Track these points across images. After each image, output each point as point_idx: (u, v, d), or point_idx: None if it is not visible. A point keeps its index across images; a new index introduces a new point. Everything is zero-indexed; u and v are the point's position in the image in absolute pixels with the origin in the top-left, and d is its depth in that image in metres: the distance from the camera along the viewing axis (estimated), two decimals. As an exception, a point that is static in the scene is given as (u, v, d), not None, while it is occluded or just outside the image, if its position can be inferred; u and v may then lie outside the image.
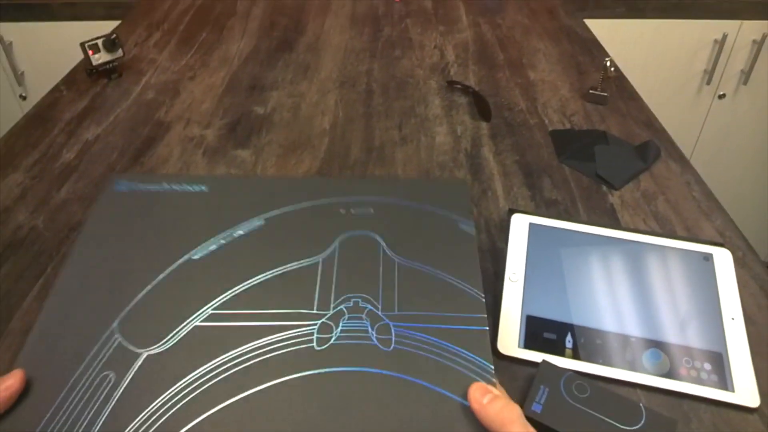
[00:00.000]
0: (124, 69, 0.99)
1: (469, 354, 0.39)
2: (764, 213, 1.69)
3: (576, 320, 0.53)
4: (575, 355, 0.51)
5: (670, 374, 0.50)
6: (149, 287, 0.42)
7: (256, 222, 0.47)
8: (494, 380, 0.37)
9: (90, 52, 0.93)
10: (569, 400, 0.47)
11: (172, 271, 0.43)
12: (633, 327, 0.53)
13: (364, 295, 0.41)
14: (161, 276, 0.43)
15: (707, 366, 0.50)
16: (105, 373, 0.38)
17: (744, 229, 0.67)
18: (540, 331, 0.53)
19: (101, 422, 0.36)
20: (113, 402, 0.37)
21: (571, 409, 0.46)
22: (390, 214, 0.47)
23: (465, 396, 0.37)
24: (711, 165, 1.45)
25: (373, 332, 0.40)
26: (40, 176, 0.74)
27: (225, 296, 0.42)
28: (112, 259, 0.45)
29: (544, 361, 0.49)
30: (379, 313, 0.40)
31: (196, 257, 0.44)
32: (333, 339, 0.39)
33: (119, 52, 0.97)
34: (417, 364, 0.38)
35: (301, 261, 0.44)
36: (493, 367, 0.38)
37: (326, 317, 0.40)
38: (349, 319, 0.40)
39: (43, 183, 0.73)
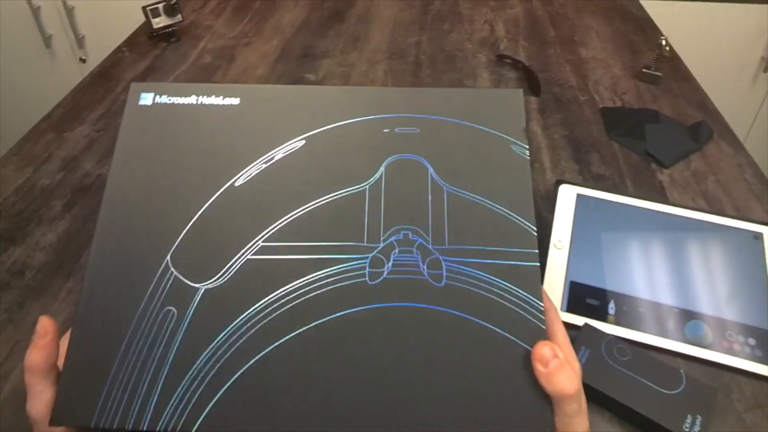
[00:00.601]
0: (182, 34, 1.03)
1: (519, 290, 0.39)
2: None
3: (619, 288, 0.54)
4: (617, 322, 0.52)
5: (711, 346, 0.50)
6: (196, 218, 0.41)
7: (297, 142, 0.44)
8: (542, 317, 0.38)
9: (151, 16, 0.97)
10: (610, 362, 0.48)
11: (216, 200, 0.42)
12: (676, 298, 0.53)
13: (413, 227, 0.41)
14: (206, 205, 0.42)
15: (751, 341, 0.51)
16: (167, 308, 0.39)
17: (796, 212, 0.66)
18: (583, 297, 0.54)
19: (171, 357, 0.37)
20: (179, 337, 0.38)
21: (612, 371, 0.47)
22: (437, 134, 0.44)
23: (518, 335, 0.38)
24: (764, 153, 1.41)
25: (424, 267, 0.40)
26: (105, 129, 0.78)
27: (274, 227, 0.41)
28: (150, 187, 0.43)
29: (586, 323, 0.51)
30: (430, 246, 0.40)
31: (238, 184, 0.42)
32: (385, 273, 0.39)
33: (178, 17, 1.00)
34: (468, 300, 0.39)
35: (348, 188, 0.42)
36: (543, 305, 0.38)
37: (377, 251, 0.40)
38: (399, 252, 0.40)
39: (108, 135, 0.76)
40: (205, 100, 0.46)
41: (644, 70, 0.88)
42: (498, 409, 0.36)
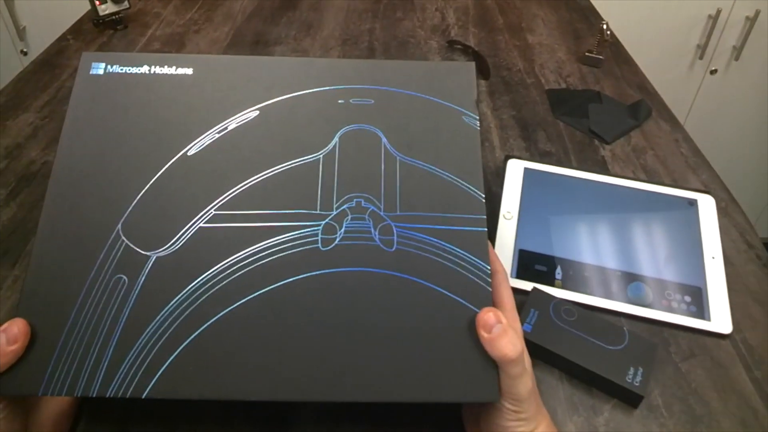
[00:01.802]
0: (129, 21, 1.01)
1: (467, 254, 0.40)
2: (754, 185, 1.73)
3: (565, 255, 0.56)
4: (564, 286, 0.54)
5: (652, 305, 0.53)
6: (147, 186, 0.41)
7: (251, 113, 0.44)
8: (489, 279, 0.39)
9: (97, 2, 0.95)
10: (558, 322, 0.50)
11: (169, 169, 0.42)
12: (618, 262, 0.56)
13: (366, 195, 0.41)
14: (158, 174, 0.41)
15: (687, 298, 0.54)
16: (117, 276, 0.39)
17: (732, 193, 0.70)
18: (531, 264, 0.56)
19: (122, 324, 0.37)
20: (130, 304, 0.38)
21: (559, 330, 0.49)
22: (391, 105, 0.45)
23: (466, 297, 0.39)
24: (702, 137, 1.48)
25: (376, 233, 0.40)
26: (50, 116, 0.76)
27: (227, 196, 0.41)
28: (101, 157, 0.42)
29: (534, 287, 0.53)
30: (382, 213, 0.41)
31: (191, 153, 0.42)
32: (337, 240, 0.40)
33: (125, 4, 0.98)
34: (418, 264, 0.40)
35: (302, 158, 0.43)
36: (489, 268, 0.40)
37: (330, 218, 0.41)
38: (352, 219, 0.41)
39: (54, 122, 0.75)
40: (158, 69, 0.45)
41: (587, 54, 0.91)
42: (446, 371, 0.38)
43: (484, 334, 0.37)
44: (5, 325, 0.36)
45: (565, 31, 1.04)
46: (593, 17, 1.10)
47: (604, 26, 0.89)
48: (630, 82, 0.88)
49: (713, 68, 1.49)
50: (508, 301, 0.41)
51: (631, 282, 0.55)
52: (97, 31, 0.97)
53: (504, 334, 0.37)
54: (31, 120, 0.75)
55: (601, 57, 0.91)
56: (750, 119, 1.59)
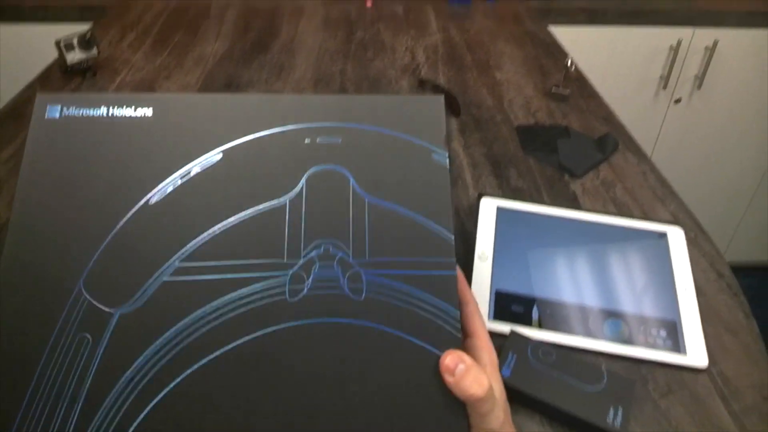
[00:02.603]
0: (98, 68, 1.00)
1: (436, 299, 0.39)
2: (721, 212, 1.77)
3: (541, 294, 0.57)
4: (541, 326, 0.54)
5: (629, 341, 0.54)
6: (108, 239, 0.40)
7: (213, 156, 0.42)
8: (458, 325, 0.39)
9: (65, 50, 0.94)
10: (536, 365, 0.50)
11: (130, 219, 0.40)
12: (594, 299, 0.56)
13: (334, 241, 0.41)
14: (119, 225, 0.40)
15: (662, 333, 0.54)
16: (81, 335, 0.37)
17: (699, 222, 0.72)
18: (508, 305, 0.56)
19: (87, 387, 0.36)
20: (95, 365, 0.37)
21: (538, 373, 0.49)
22: (359, 143, 0.43)
23: (435, 345, 0.38)
24: (669, 166, 1.52)
25: (345, 281, 0.40)
26: (16, 170, 0.75)
27: (191, 246, 0.40)
28: (59, 207, 0.40)
29: (512, 330, 0.53)
30: (350, 260, 0.40)
31: (152, 201, 0.41)
32: (305, 290, 0.39)
33: (94, 51, 0.98)
34: (387, 312, 0.39)
35: (267, 202, 0.41)
36: (459, 313, 0.40)
37: (297, 267, 0.40)
38: (320, 267, 0.40)
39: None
40: (117, 111, 0.44)
41: (553, 89, 0.94)
42: (416, 419, 0.37)
43: (448, 378, 0.37)
44: None
45: (532, 67, 1.06)
46: (557, 53, 1.13)
47: (569, 62, 0.92)
48: (596, 115, 0.90)
49: (677, 97, 1.54)
50: (480, 329, 0.41)
51: (608, 318, 0.55)
52: (65, 79, 0.97)
53: (467, 373, 0.36)
54: (-4, 173, 0.74)
55: (567, 92, 0.93)
56: (714, 145, 1.64)
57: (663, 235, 0.62)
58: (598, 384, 0.49)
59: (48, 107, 0.44)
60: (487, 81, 1.00)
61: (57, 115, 0.44)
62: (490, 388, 0.37)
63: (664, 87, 1.52)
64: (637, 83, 1.52)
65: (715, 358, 0.53)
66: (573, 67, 0.91)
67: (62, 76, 0.97)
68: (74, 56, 0.95)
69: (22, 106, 0.90)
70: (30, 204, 0.41)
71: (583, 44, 1.40)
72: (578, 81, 0.98)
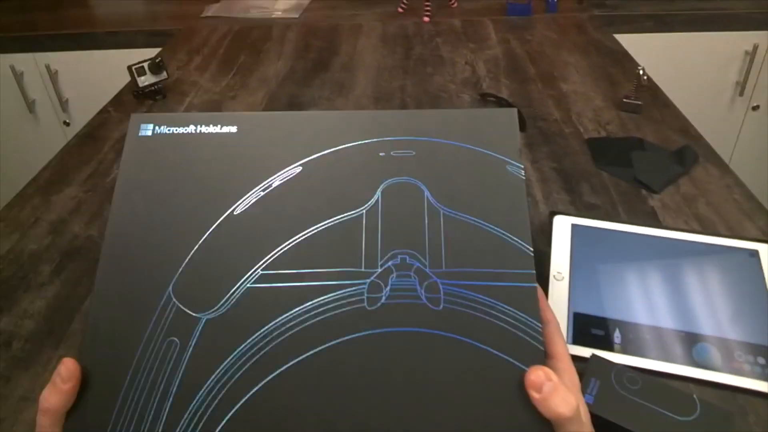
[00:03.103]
0: (168, 91, 1.04)
1: (517, 312, 0.39)
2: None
3: (623, 316, 0.53)
4: (624, 350, 0.51)
5: (721, 368, 0.50)
6: (196, 247, 0.42)
7: (294, 169, 0.45)
8: (541, 338, 0.37)
9: (136, 75, 0.98)
10: (621, 392, 0.47)
11: (216, 229, 0.42)
12: (681, 322, 0.53)
13: (410, 251, 0.41)
14: (206, 235, 0.42)
15: (761, 360, 0.50)
16: (170, 339, 0.39)
17: (789, 228, 0.67)
18: (588, 328, 0.53)
19: (175, 388, 0.38)
20: (182, 367, 0.38)
21: (624, 400, 0.46)
22: (433, 156, 0.44)
23: (517, 357, 0.37)
24: (749, 176, 1.44)
25: (422, 291, 0.40)
26: (93, 189, 0.77)
27: (272, 255, 0.41)
28: (151, 218, 0.43)
29: (593, 354, 0.50)
30: (427, 270, 0.40)
31: (237, 212, 0.43)
32: (383, 298, 0.39)
33: (164, 75, 1.01)
34: (466, 323, 0.39)
35: (345, 214, 0.42)
36: (540, 326, 0.38)
37: (375, 276, 0.40)
38: (397, 277, 0.40)
39: (96, 196, 0.76)
40: (204, 129, 0.46)
41: (625, 99, 0.90)
42: (497, 430, 0.36)
43: (534, 394, 0.35)
44: (57, 368, 0.37)
45: (599, 77, 1.03)
46: (626, 61, 1.09)
47: (641, 71, 0.88)
48: (672, 127, 0.86)
49: (755, 104, 1.45)
50: (562, 351, 0.39)
51: (696, 343, 0.51)
52: (136, 102, 1.01)
53: (555, 392, 0.35)
54: (74, 194, 0.77)
55: (639, 102, 0.89)
56: (796, 153, 1.54)
57: (754, 253, 0.57)
58: (690, 414, 0.45)
59: (141, 126, 0.47)
60: (552, 93, 0.98)
61: (149, 133, 0.47)
62: (578, 408, 0.35)
63: (741, 94, 1.44)
64: (711, 91, 1.45)
65: (822, 389, 0.48)
66: (645, 77, 0.87)
67: (134, 100, 1.01)
68: (145, 80, 0.99)
69: (97, 128, 0.94)
70: (125, 215, 0.43)
71: (650, 52, 1.35)
72: (650, 90, 0.94)
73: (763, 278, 0.56)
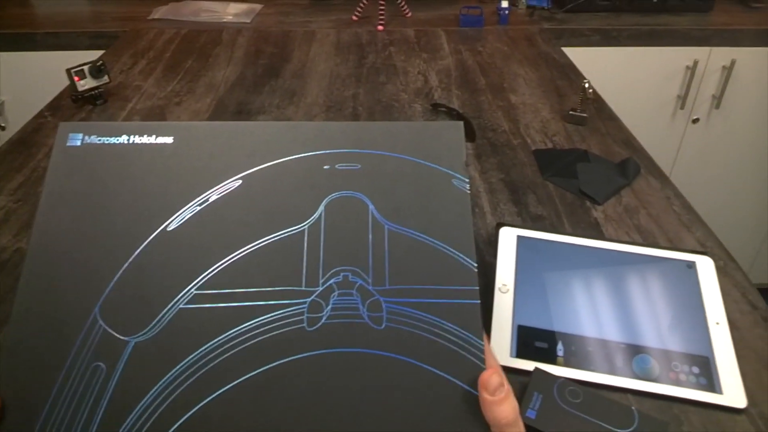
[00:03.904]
0: (109, 95, 1.00)
1: (459, 330, 0.38)
2: (743, 232, 1.73)
3: (566, 329, 0.54)
4: (567, 363, 0.51)
5: (659, 379, 0.50)
6: (126, 266, 0.39)
7: (233, 182, 0.43)
8: (482, 356, 0.37)
9: (76, 78, 0.94)
10: (563, 406, 0.47)
11: (148, 246, 0.40)
12: (621, 334, 0.53)
13: (353, 268, 0.40)
14: (137, 252, 0.40)
15: (695, 369, 0.51)
16: (95, 364, 0.37)
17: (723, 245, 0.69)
18: (531, 340, 0.53)
19: (99, 417, 0.36)
20: (108, 394, 0.36)
21: (565, 414, 0.46)
22: (378, 169, 0.43)
23: (458, 376, 0.37)
24: (688, 187, 1.49)
25: (365, 309, 0.39)
26: (24, 199, 0.73)
27: (208, 274, 0.39)
28: (78, 233, 0.41)
29: (536, 368, 0.50)
30: (370, 288, 0.39)
31: (171, 228, 0.41)
32: (324, 318, 0.38)
33: (105, 79, 0.97)
34: (409, 342, 0.38)
35: (286, 229, 0.41)
36: (483, 344, 0.38)
37: (316, 295, 0.39)
38: (339, 295, 0.39)
39: (27, 206, 0.72)
40: (138, 139, 0.44)
41: (571, 112, 0.91)
42: None
43: (486, 396, 0.35)
44: None
45: (548, 89, 1.04)
46: (573, 74, 1.11)
47: (586, 84, 0.90)
48: (615, 139, 0.88)
49: (695, 117, 1.51)
50: (495, 363, 0.39)
51: (636, 354, 0.52)
52: (75, 107, 0.96)
53: (506, 398, 0.35)
54: (3, 204, 0.73)
55: (585, 114, 0.91)
56: (733, 165, 1.60)
57: (691, 265, 0.59)
58: (628, 426, 0.46)
59: (69, 136, 0.44)
60: (502, 104, 0.99)
61: (78, 143, 0.44)
62: (518, 415, 0.35)
63: (682, 107, 1.49)
64: (654, 104, 1.50)
65: (754, 399, 0.50)
66: (590, 90, 0.89)
67: (73, 104, 0.97)
68: (85, 84, 0.95)
69: (31, 134, 0.89)
70: (49, 230, 0.41)
71: (597, 65, 1.39)
72: (596, 103, 0.96)
73: (700, 290, 0.57)
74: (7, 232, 0.68)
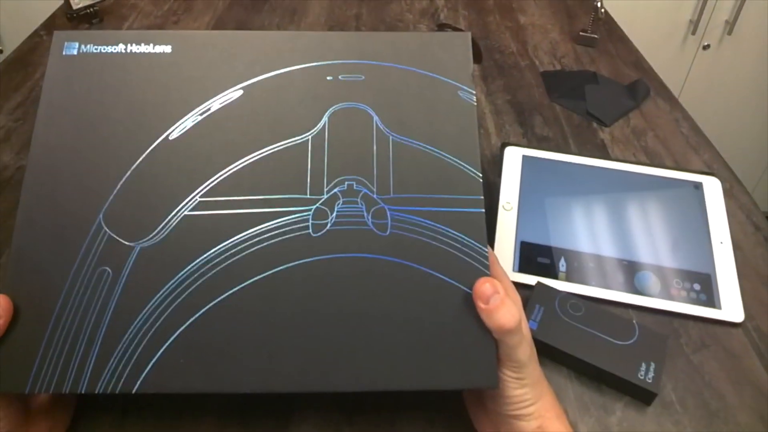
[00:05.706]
0: (105, 14, 0.96)
1: (464, 237, 0.38)
2: (746, 160, 1.72)
3: (569, 245, 0.54)
4: (569, 278, 0.52)
5: (661, 295, 0.51)
6: (128, 173, 0.39)
7: (234, 92, 0.42)
8: (487, 262, 0.38)
9: (69, -5, 0.90)
10: (564, 318, 0.48)
11: (150, 154, 0.40)
12: (624, 251, 0.54)
13: (357, 177, 0.40)
14: (139, 160, 0.40)
15: (696, 286, 0.52)
16: (101, 268, 0.37)
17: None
18: (534, 256, 0.54)
19: (108, 318, 0.36)
20: (115, 297, 0.37)
21: (567, 326, 0.47)
22: (383, 80, 0.42)
23: (462, 281, 0.37)
24: (694, 114, 1.47)
25: (369, 216, 0.39)
26: (23, 118, 0.72)
27: (212, 181, 0.39)
28: (78, 143, 0.40)
29: (538, 282, 0.50)
30: (375, 196, 0.39)
31: (173, 137, 0.40)
32: (329, 225, 0.38)
33: (100, -4, 0.94)
34: (413, 248, 0.38)
35: (289, 140, 0.41)
36: (487, 250, 0.38)
37: (320, 202, 0.39)
38: (343, 203, 0.39)
39: (27, 125, 0.71)
40: (135, 48, 0.43)
41: (581, 33, 0.89)
42: (443, 358, 0.36)
43: (481, 305, 0.36)
44: None
45: (557, 10, 1.01)
46: (585, -6, 1.07)
47: (598, 4, 0.86)
48: (626, 61, 0.86)
49: (706, 43, 1.47)
50: (503, 275, 0.40)
51: (638, 271, 0.53)
52: (70, 26, 0.93)
53: (502, 305, 0.36)
54: (2, 123, 0.71)
55: (595, 36, 0.88)
56: (743, 94, 1.57)
57: (698, 186, 0.59)
58: (629, 339, 0.47)
59: (65, 44, 0.43)
60: (510, 25, 0.95)
61: (75, 52, 0.43)
62: (520, 321, 0.36)
63: (693, 32, 1.45)
64: (665, 28, 1.45)
65: (751, 313, 0.51)
66: (602, 10, 0.86)
67: (68, 23, 0.94)
68: (80, 2, 0.92)
69: (27, 54, 0.87)
70: (48, 140, 0.41)
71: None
72: (607, 24, 0.93)
73: (705, 210, 0.57)
74: (8, 151, 0.67)
